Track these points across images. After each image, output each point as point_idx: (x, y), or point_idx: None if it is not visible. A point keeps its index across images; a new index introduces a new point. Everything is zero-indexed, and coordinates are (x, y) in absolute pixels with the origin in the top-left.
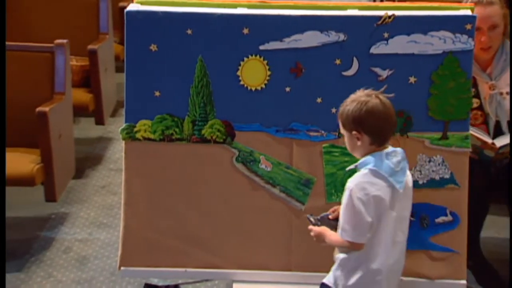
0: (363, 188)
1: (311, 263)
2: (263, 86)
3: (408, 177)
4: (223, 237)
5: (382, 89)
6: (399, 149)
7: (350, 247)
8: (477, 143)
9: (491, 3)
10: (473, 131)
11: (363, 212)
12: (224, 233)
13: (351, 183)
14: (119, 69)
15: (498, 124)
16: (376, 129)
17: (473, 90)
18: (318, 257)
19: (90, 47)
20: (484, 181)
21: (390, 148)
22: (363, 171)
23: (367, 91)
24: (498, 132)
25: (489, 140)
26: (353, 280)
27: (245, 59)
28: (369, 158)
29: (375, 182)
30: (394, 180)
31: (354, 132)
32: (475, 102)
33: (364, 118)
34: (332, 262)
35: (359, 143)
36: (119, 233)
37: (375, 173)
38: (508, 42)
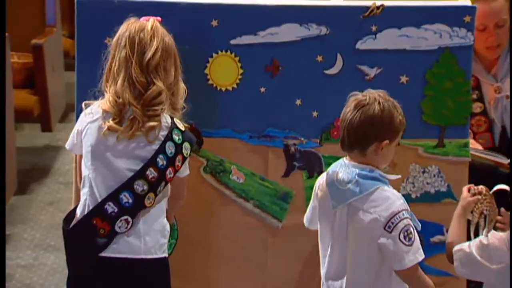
0: None
1: (288, 284)
2: (235, 86)
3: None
4: (190, 257)
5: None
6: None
7: None
8: (490, 163)
9: None
10: (484, 154)
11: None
12: (192, 252)
13: None
14: (68, 67)
15: (504, 131)
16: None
17: (476, 93)
18: (296, 278)
19: (34, 41)
20: None
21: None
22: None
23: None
24: (504, 141)
25: (505, 161)
26: None
27: (214, 55)
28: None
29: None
30: (330, 193)
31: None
32: (478, 107)
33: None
34: (312, 283)
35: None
36: None
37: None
38: None
